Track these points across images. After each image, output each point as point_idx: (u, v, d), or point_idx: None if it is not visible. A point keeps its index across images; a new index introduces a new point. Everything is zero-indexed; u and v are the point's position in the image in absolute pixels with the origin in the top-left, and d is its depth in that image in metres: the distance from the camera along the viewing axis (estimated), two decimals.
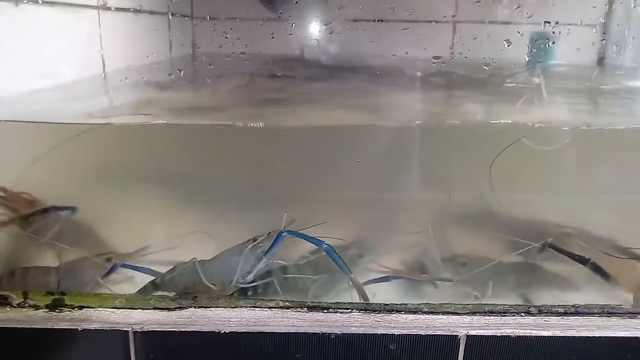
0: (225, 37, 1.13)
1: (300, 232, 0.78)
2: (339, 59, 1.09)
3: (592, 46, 1.12)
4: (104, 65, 1.07)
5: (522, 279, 0.89)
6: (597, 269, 0.90)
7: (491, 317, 0.76)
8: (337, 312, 0.77)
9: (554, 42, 1.09)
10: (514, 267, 0.89)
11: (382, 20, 1.10)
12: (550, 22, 1.07)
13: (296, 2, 1.04)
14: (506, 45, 1.11)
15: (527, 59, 1.11)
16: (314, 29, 1.08)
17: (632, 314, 0.79)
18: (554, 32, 1.09)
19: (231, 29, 1.12)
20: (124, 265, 0.83)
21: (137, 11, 1.14)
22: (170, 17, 1.15)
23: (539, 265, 0.92)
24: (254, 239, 0.79)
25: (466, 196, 1.01)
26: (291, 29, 1.08)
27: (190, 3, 1.12)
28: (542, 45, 1.09)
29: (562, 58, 1.11)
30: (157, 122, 0.87)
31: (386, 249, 0.91)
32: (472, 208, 1.01)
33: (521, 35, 1.08)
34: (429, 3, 1.12)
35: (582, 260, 0.90)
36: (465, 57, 1.13)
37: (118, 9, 1.13)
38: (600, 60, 1.13)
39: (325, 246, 0.77)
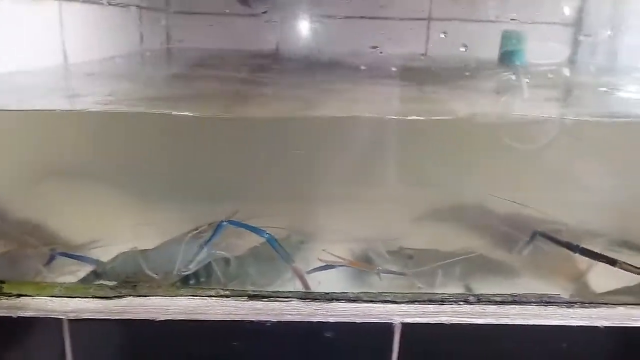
0: (199, 32, 1.13)
1: (241, 222, 0.78)
2: (314, 54, 1.10)
3: (565, 44, 1.13)
4: (65, 56, 1.07)
5: (473, 270, 0.90)
6: (589, 254, 0.88)
7: (429, 306, 0.77)
8: (276, 300, 0.77)
9: (525, 40, 1.10)
10: (465, 260, 0.90)
11: (357, 17, 1.11)
12: (519, 21, 1.08)
13: None
14: (478, 43, 1.12)
15: (500, 56, 1.12)
16: (290, 24, 1.08)
17: (569, 304, 0.80)
18: (525, 30, 1.10)
19: (209, 24, 1.13)
20: (63, 254, 0.83)
21: (102, 3, 1.13)
22: (142, 10, 1.15)
23: (491, 257, 0.92)
24: (196, 229, 0.79)
25: (426, 189, 1.01)
26: (266, 24, 1.08)
27: None
28: (514, 43, 1.10)
29: (535, 55, 1.12)
30: (93, 110, 0.87)
31: (335, 239, 0.91)
32: (432, 201, 1.02)
33: (495, 32, 1.10)
34: (404, 0, 1.13)
35: (571, 247, 0.89)
36: (439, 54, 1.14)
37: (84, 1, 1.13)
38: (573, 57, 1.15)
39: (266, 235, 0.77)
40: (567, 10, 1.15)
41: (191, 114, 0.85)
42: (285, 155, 0.93)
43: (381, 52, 1.03)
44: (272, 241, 0.77)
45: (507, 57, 1.13)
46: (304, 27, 1.10)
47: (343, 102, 1.06)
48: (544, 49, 1.12)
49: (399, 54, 1.14)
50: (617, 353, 0.79)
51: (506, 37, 1.12)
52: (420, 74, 1.14)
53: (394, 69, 1.11)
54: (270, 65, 1.17)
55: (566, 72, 1.15)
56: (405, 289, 0.87)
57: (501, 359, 0.77)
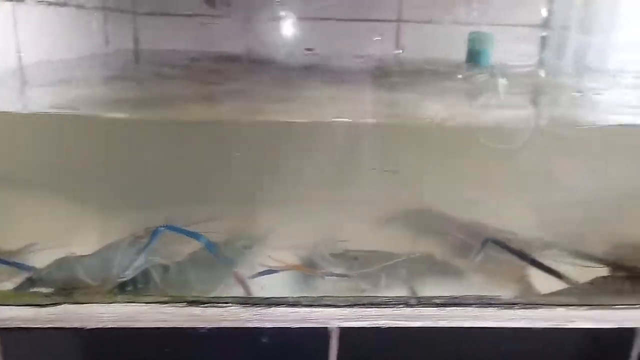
0: (170, 33, 1.12)
1: (179, 227, 0.77)
2: (283, 57, 1.09)
3: (533, 46, 1.14)
4: (20, 58, 1.04)
5: (420, 273, 0.90)
6: (539, 266, 0.89)
7: (368, 309, 0.76)
8: (215, 306, 0.76)
9: (492, 41, 1.10)
10: (410, 262, 0.90)
11: (328, 19, 1.10)
12: (487, 22, 1.08)
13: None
14: (446, 45, 1.12)
15: (467, 58, 1.12)
16: (257, 26, 1.08)
17: (509, 305, 0.80)
18: (493, 33, 1.10)
19: (180, 26, 1.11)
20: None
21: (61, 4, 1.11)
22: (108, 12, 1.13)
23: (438, 260, 0.92)
24: (134, 235, 0.78)
25: (378, 193, 1.01)
26: (237, 26, 1.07)
27: None
28: (480, 44, 1.10)
29: (503, 58, 1.12)
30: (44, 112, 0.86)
31: (281, 243, 0.91)
32: (384, 205, 1.01)
33: (462, 35, 1.09)
34: (373, 2, 1.12)
35: (523, 257, 0.90)
36: (409, 56, 1.14)
37: (39, 2, 1.11)
38: (541, 60, 1.15)
39: (204, 240, 0.76)
40: (536, 12, 1.15)
41: (127, 116, 0.84)
42: (231, 159, 0.92)
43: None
44: (210, 246, 0.76)
45: (474, 58, 1.13)
46: (274, 29, 1.09)
47: (299, 105, 1.06)
48: (512, 51, 1.12)
49: (369, 56, 1.13)
50: (556, 354, 0.79)
51: (473, 38, 1.12)
52: (388, 76, 1.14)
53: (362, 71, 1.11)
54: (236, 68, 1.16)
55: (540, 73, 1.15)
56: (350, 292, 0.87)
57: None
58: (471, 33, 1.12)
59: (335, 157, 0.96)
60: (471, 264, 0.90)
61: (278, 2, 1.07)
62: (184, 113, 0.99)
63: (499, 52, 1.11)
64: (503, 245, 0.86)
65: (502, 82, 1.05)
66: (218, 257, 0.77)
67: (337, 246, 0.89)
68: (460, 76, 1.10)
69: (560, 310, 0.80)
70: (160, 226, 0.77)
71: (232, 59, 1.12)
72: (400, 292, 0.87)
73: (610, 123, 1.03)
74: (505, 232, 0.94)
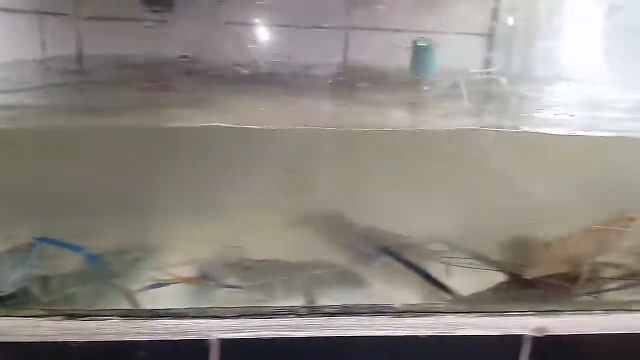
0: (114, 38, 1.10)
1: (57, 240, 0.74)
2: (227, 63, 1.07)
3: (478, 53, 1.14)
4: None
5: (318, 282, 0.89)
6: (429, 279, 0.89)
7: (251, 320, 0.75)
8: (94, 319, 0.74)
9: (435, 50, 1.11)
10: (306, 269, 0.89)
11: (272, 25, 1.09)
12: (433, 30, 1.08)
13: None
14: (393, 53, 1.12)
15: (410, 66, 1.12)
16: (202, 32, 1.06)
17: (398, 313, 0.80)
18: (437, 41, 1.10)
19: (123, 30, 1.09)
20: None
21: None
22: (46, 16, 1.10)
23: (337, 268, 0.92)
24: (11, 248, 0.75)
25: (280, 201, 1.00)
26: (180, 31, 1.05)
27: (72, 2, 1.08)
28: (425, 53, 1.10)
29: (448, 65, 1.12)
30: None
31: (176, 254, 0.88)
32: (286, 213, 1.00)
33: (407, 43, 1.10)
34: (322, 8, 1.12)
35: (413, 268, 0.89)
36: (357, 64, 1.14)
37: None
38: (487, 67, 1.16)
39: (85, 253, 0.74)
40: (481, 20, 1.16)
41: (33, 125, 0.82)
42: (126, 169, 0.90)
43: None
44: (91, 259, 0.74)
45: (418, 66, 1.14)
46: (218, 34, 1.08)
47: (212, 111, 1.05)
48: (457, 59, 1.13)
49: (315, 64, 1.12)
50: None
51: (417, 47, 1.13)
52: (329, 84, 1.13)
53: (310, 78, 1.10)
54: (172, 74, 1.14)
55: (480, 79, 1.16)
56: (245, 302, 0.85)
57: None
58: (415, 41, 1.12)
59: (238, 163, 0.95)
60: (369, 272, 0.89)
61: (226, 8, 1.06)
62: (97, 120, 0.97)
63: (443, 60, 1.11)
64: (393, 254, 0.86)
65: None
66: (101, 269, 0.75)
67: (232, 256, 0.87)
68: (426, 87, 1.11)
69: (450, 318, 0.80)
70: (37, 239, 0.74)
71: (173, 64, 1.11)
72: (297, 301, 0.86)
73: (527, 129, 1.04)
74: (408, 238, 0.94)
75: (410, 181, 0.96)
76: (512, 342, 0.78)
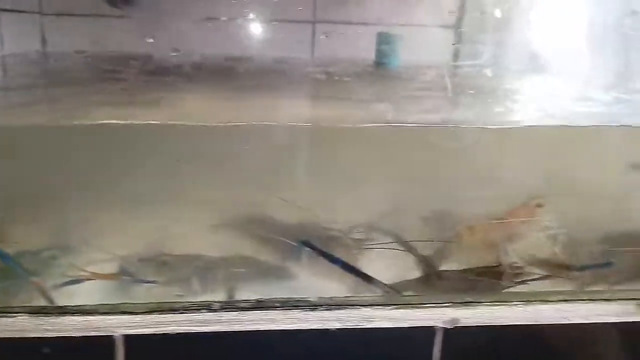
0: (78, 35, 1.09)
1: None
2: (187, 59, 1.06)
3: (446, 47, 1.14)
4: None
5: (236, 276, 0.89)
6: (350, 269, 0.89)
7: (158, 316, 0.75)
8: (3, 316, 0.74)
9: (399, 42, 1.10)
10: (227, 263, 0.89)
11: (237, 19, 1.08)
12: (399, 23, 1.08)
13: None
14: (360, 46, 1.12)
15: (375, 58, 1.12)
16: (162, 27, 1.05)
17: (313, 306, 0.80)
18: (401, 34, 1.10)
19: (87, 27, 1.08)
20: None
21: None
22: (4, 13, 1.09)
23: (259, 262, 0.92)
24: None
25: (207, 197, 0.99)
26: (144, 27, 1.05)
27: None
28: (388, 45, 1.10)
29: (415, 58, 1.12)
30: None
31: (95, 250, 0.88)
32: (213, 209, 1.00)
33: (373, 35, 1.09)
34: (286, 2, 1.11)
35: (332, 259, 0.89)
36: (321, 57, 1.13)
37: None
38: (455, 60, 1.15)
39: None
40: (447, 12, 1.16)
41: None
42: (45, 167, 0.90)
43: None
44: (2, 256, 0.74)
45: (382, 59, 1.14)
46: (175, 30, 1.07)
47: (156, 109, 1.04)
48: (423, 51, 1.13)
49: (281, 58, 1.12)
50: (360, 355, 0.80)
51: (381, 39, 1.12)
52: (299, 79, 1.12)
53: (262, 73, 1.09)
54: (128, 71, 1.13)
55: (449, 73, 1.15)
56: (158, 298, 0.84)
57: None
58: (379, 34, 1.12)
59: (162, 160, 0.95)
60: (292, 266, 0.89)
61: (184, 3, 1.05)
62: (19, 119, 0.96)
63: (410, 53, 1.11)
64: (313, 247, 0.86)
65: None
66: (14, 266, 0.75)
67: (151, 252, 0.87)
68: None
69: (365, 310, 0.80)
70: None
71: (132, 60, 1.10)
72: (215, 296, 0.86)
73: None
74: (331, 230, 0.94)
75: (336, 175, 0.96)
76: (424, 334, 0.79)
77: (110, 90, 1.09)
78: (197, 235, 0.93)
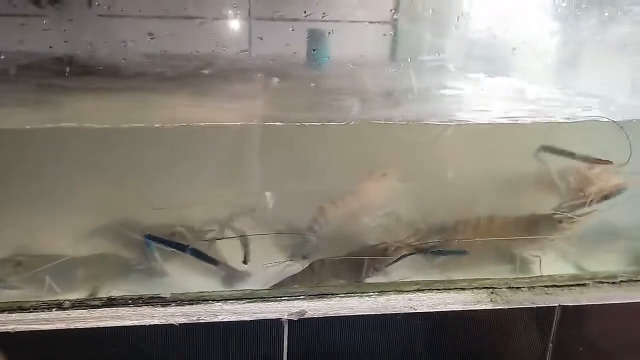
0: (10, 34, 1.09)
1: None
2: (117, 58, 1.06)
3: (382, 43, 1.14)
4: None
5: (99, 272, 0.90)
6: (198, 254, 0.92)
7: (7, 315, 0.77)
8: None
9: (328, 38, 1.10)
10: (88, 262, 0.90)
11: (167, 17, 1.08)
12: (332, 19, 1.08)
13: None
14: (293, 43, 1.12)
15: (306, 55, 1.12)
16: (87, 26, 1.05)
17: (164, 303, 0.81)
18: (332, 30, 1.10)
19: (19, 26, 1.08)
20: None
21: None
22: None
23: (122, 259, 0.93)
24: None
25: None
26: (70, 27, 1.05)
27: None
28: (318, 42, 1.10)
29: (351, 54, 1.12)
30: None
31: None
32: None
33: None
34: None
35: (181, 248, 0.92)
36: (259, 55, 1.14)
37: None
38: (392, 57, 1.16)
39: None
40: (382, 8, 1.16)
41: None
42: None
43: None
44: None
45: (313, 55, 1.14)
46: (102, 29, 1.07)
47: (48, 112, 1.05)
48: (357, 47, 1.13)
49: (222, 56, 1.12)
50: (209, 348, 0.81)
51: (311, 35, 1.13)
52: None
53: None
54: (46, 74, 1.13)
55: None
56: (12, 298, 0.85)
57: None
58: (309, 30, 1.12)
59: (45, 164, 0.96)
60: (150, 262, 0.91)
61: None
62: None
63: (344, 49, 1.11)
64: (162, 240, 0.88)
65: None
66: None
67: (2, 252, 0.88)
68: None
69: (216, 305, 0.82)
70: None
71: (55, 61, 1.10)
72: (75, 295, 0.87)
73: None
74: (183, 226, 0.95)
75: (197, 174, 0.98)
76: (272, 327, 0.80)
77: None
78: (58, 236, 0.95)
